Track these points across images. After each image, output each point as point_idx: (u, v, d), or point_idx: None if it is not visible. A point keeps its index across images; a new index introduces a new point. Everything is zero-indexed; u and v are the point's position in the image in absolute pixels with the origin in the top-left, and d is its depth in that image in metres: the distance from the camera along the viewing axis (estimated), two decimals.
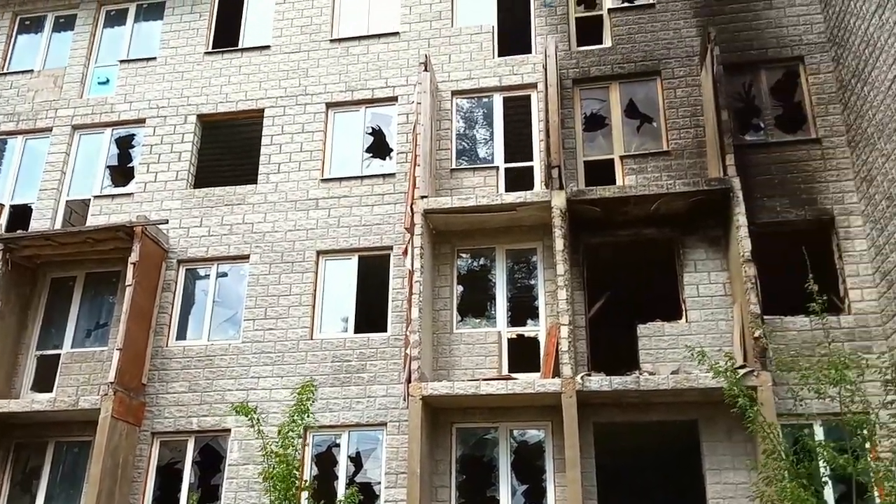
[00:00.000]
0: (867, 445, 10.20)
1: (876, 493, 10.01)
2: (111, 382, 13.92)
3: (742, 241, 13.08)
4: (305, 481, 11.62)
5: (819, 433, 11.89)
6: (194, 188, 16.73)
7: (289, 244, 15.69)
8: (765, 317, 12.76)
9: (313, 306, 15.20)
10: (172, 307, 15.64)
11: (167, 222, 15.78)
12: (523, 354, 14.31)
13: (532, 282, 15.07)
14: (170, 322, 15.52)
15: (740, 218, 13.27)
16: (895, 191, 12.30)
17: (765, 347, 12.37)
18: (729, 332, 13.36)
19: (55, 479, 14.90)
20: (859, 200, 13.84)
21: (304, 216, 15.87)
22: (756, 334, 12.37)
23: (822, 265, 13.19)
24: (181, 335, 15.63)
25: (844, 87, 14.44)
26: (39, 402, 14.47)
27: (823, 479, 9.44)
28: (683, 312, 13.92)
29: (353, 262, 15.50)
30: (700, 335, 13.38)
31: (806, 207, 14.11)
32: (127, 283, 14.64)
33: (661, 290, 14.76)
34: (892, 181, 12.43)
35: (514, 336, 14.59)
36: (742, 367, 12.11)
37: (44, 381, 15.54)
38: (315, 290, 15.32)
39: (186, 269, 16.07)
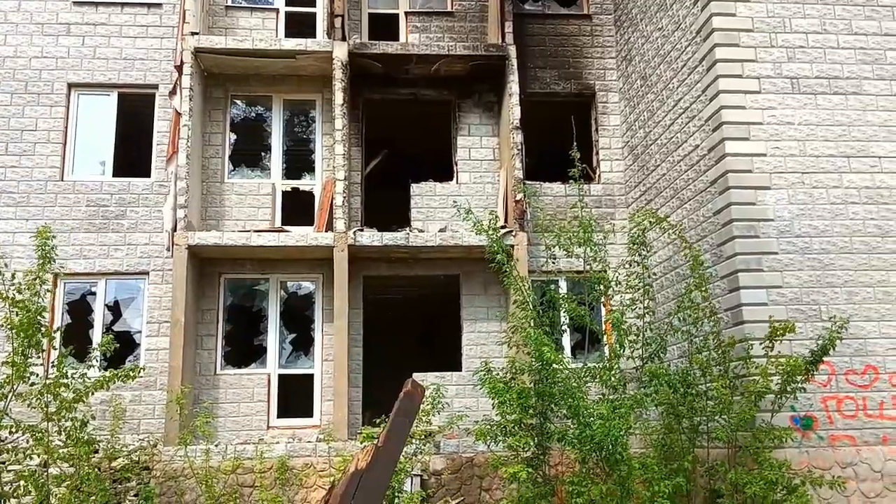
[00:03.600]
0: (602, 300, 11.56)
1: (605, 341, 11.48)
2: None
3: (513, 108, 13.70)
4: (55, 329, 10.90)
5: (563, 288, 13.25)
6: None
7: (34, 73, 13.93)
8: (527, 182, 13.66)
9: (64, 144, 13.82)
10: None
11: None
12: (298, 208, 14.22)
13: (310, 135, 14.79)
14: None
15: (513, 86, 13.83)
16: (650, 71, 13.40)
17: (524, 210, 13.34)
18: (494, 195, 14.18)
19: None
20: (617, 78, 14.95)
21: (53, 42, 14.07)
22: (517, 197, 13.27)
23: (581, 137, 14.27)
24: None
25: None
26: None
27: (563, 328, 10.58)
28: (455, 174, 14.50)
29: (111, 99, 14.16)
30: (469, 196, 14.06)
31: (572, 81, 14.99)
32: None
33: (436, 151, 15.20)
34: (647, 62, 13.51)
35: (288, 189, 14.39)
36: (503, 227, 13.02)
37: None
38: (66, 127, 13.88)
39: None
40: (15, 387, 9.57)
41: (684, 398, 9.28)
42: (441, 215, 14.09)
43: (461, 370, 13.42)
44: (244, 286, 14.09)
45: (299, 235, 13.18)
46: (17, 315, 9.62)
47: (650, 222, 10.55)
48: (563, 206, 14.01)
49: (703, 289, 9.85)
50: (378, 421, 10.21)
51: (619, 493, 8.63)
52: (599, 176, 14.63)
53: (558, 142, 13.03)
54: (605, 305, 12.24)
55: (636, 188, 13.94)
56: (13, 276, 9.71)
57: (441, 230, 13.74)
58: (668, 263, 12.32)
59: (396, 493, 10.21)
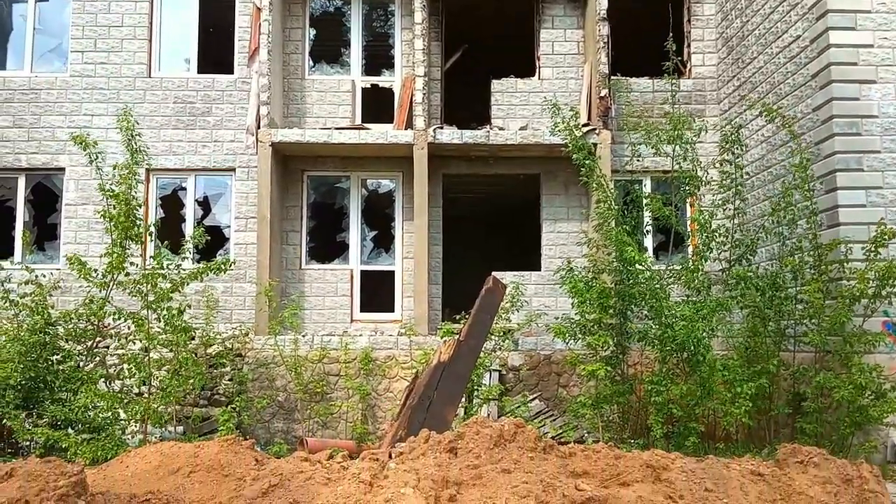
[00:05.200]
0: (688, 200, 11.24)
1: (689, 242, 11.23)
2: None
3: None
4: (151, 224, 11.37)
5: (647, 188, 12.91)
6: None
7: None
8: (612, 77, 13.14)
9: (150, 41, 13.96)
10: None
11: None
12: (377, 105, 14.14)
13: (389, 30, 14.51)
14: None
15: None
16: None
17: (608, 107, 12.90)
18: (578, 91, 13.73)
19: None
20: None
21: None
22: (602, 94, 12.82)
23: (672, 28, 13.55)
24: (0, 65, 14.05)
25: None
26: None
27: (646, 228, 10.39)
28: (537, 69, 14.05)
29: None
30: (551, 92, 13.66)
31: None
32: None
33: (518, 45, 14.72)
34: None
35: (368, 86, 14.27)
36: (586, 125, 12.65)
37: None
38: (151, 23, 13.99)
39: None
40: (115, 276, 10.12)
41: (772, 301, 9.07)
42: (522, 112, 13.78)
43: (540, 269, 13.43)
44: (326, 183, 14.27)
45: (379, 133, 13.16)
46: (114, 208, 10.06)
47: (756, 114, 10.01)
48: (649, 103, 13.48)
49: (805, 188, 9.39)
50: (458, 317, 10.41)
51: (699, 393, 8.65)
52: (690, 70, 13.93)
53: (645, 34, 12.42)
54: (691, 206, 11.91)
55: (729, 83, 13.24)
56: (114, 168, 10.11)
57: (522, 128, 13.47)
58: (761, 163, 11.79)
59: (476, 387, 10.51)
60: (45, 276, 10.77)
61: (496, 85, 13.89)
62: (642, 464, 5.07)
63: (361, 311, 13.60)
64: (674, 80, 10.41)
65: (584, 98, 13.37)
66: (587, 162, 9.74)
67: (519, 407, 10.41)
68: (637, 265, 9.09)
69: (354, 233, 13.88)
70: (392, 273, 13.74)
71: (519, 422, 5.36)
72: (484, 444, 5.03)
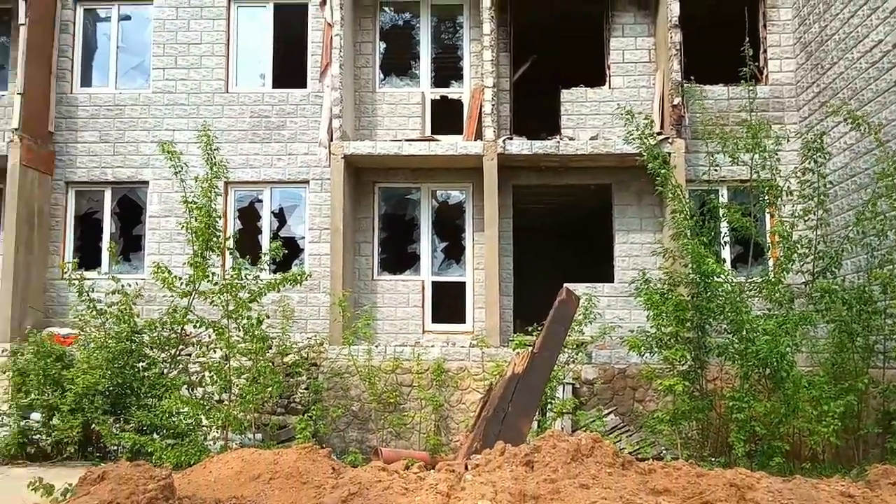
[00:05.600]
0: (766, 210, 10.94)
1: (770, 254, 10.91)
2: (16, 129, 13.23)
3: (671, 4, 12.83)
4: (229, 237, 11.73)
5: (724, 198, 12.61)
6: None
7: None
8: (685, 84, 12.91)
9: (227, 57, 14.40)
10: (73, 50, 14.51)
11: None
12: (447, 116, 14.23)
13: (457, 41, 14.61)
14: (72, 67, 14.48)
15: None
16: None
17: (682, 115, 12.67)
18: (650, 100, 13.54)
19: None
20: None
21: None
22: (675, 102, 12.61)
23: (747, 34, 13.24)
24: (86, 82, 14.71)
25: None
26: None
27: (724, 239, 10.15)
28: (607, 78, 13.92)
29: (268, 11, 14.52)
30: (622, 101, 13.46)
31: None
32: (20, 22, 13.39)
33: (587, 55, 14.61)
34: None
35: (437, 97, 14.39)
36: (659, 133, 12.46)
37: None
38: (228, 40, 14.43)
39: (84, 9, 14.73)
40: (197, 286, 10.46)
41: (860, 316, 8.73)
42: (592, 122, 13.67)
43: (613, 281, 13.26)
44: (397, 195, 14.43)
45: (448, 144, 13.24)
46: (196, 220, 10.41)
47: (838, 121, 9.69)
48: (724, 111, 13.18)
49: (893, 197, 9.02)
50: (530, 329, 10.37)
51: (783, 411, 8.38)
52: (767, 76, 13.57)
53: (718, 40, 12.17)
54: (770, 216, 11.58)
55: (808, 89, 12.85)
56: (195, 180, 10.48)
57: (592, 138, 13.35)
58: (844, 171, 11.39)
59: (549, 400, 10.43)
60: (130, 285, 11.22)
61: (566, 95, 13.81)
62: (726, 482, 4.95)
63: (433, 321, 13.68)
64: (751, 87, 10.14)
65: (657, 106, 13.17)
66: (662, 171, 9.57)
67: (594, 421, 10.28)
68: (716, 277, 8.88)
69: (425, 244, 13.98)
70: (463, 284, 13.78)
71: (596, 436, 5.31)
72: (561, 459, 5.00)
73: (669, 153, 12.22)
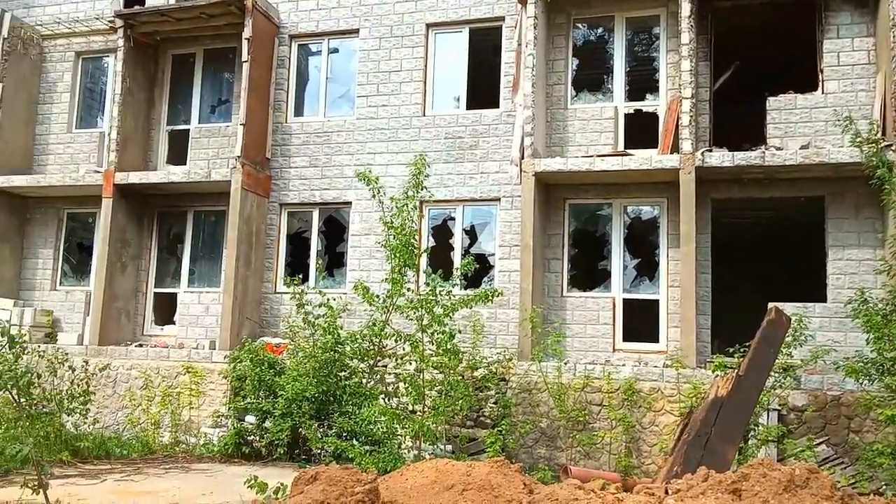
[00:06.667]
0: None
1: None
2: (238, 156, 14.65)
3: (893, 2, 11.68)
4: (423, 251, 12.18)
5: None
6: None
7: (398, 17, 15.26)
8: None
9: (424, 82, 15.03)
10: (288, 83, 15.87)
11: None
12: (640, 130, 13.88)
13: (652, 53, 14.24)
14: (286, 98, 15.83)
15: None
16: None
17: None
18: (869, 105, 12.39)
19: (197, 244, 16.33)
20: None
21: None
22: None
23: None
24: (298, 112, 16.01)
25: None
26: (175, 174, 15.49)
27: None
28: (820, 83, 12.92)
29: (463, 35, 14.99)
30: (836, 108, 12.48)
31: None
32: (243, 59, 14.87)
33: (793, 59, 13.66)
34: None
35: (631, 111, 14.08)
36: (882, 139, 11.36)
37: (176, 154, 16.50)
38: (426, 66, 15.06)
39: (298, 45, 16.06)
40: (395, 301, 10.94)
41: None
42: (802, 130, 12.73)
43: (825, 300, 12.20)
44: (587, 211, 14.26)
45: (642, 159, 12.89)
46: (394, 238, 10.91)
47: None
48: None
49: None
50: (732, 350, 9.80)
51: None
52: None
53: None
54: None
55: None
56: (392, 200, 11.00)
57: (803, 147, 12.42)
58: None
59: (752, 426, 9.78)
60: (335, 299, 11.95)
61: (772, 102, 12.97)
62: None
63: (624, 340, 13.31)
64: None
65: (878, 111, 12.01)
66: (892, 180, 8.70)
67: (803, 451, 9.50)
68: None
69: (616, 260, 13.68)
70: (656, 302, 13.31)
71: (812, 466, 4.90)
72: (772, 489, 4.65)
73: (893, 161, 11.11)
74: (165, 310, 16.35)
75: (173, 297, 16.11)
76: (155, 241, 16.53)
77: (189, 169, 15.68)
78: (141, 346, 15.21)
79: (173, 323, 15.94)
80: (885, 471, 8.76)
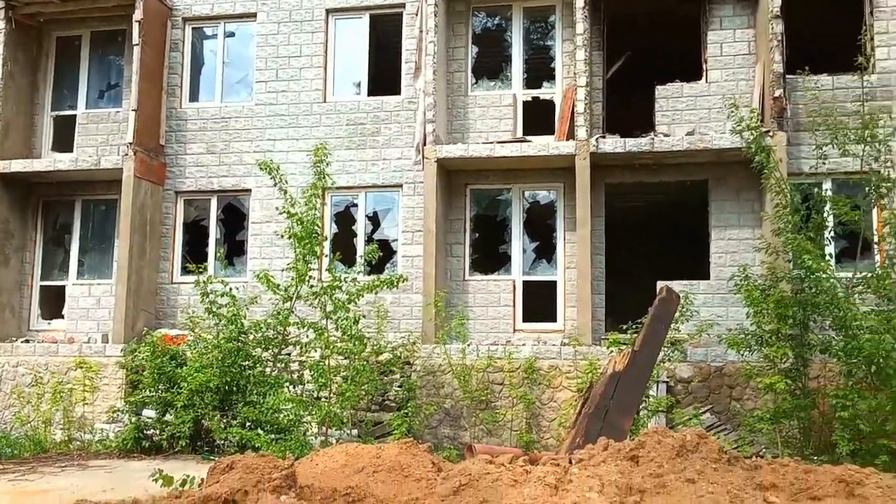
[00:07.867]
0: (873, 203, 10.49)
1: (878, 249, 10.46)
2: (130, 143, 14.11)
3: None
4: (325, 238, 12.14)
5: (829, 192, 12.14)
6: None
7: (296, 1, 15.02)
8: (787, 76, 12.52)
9: (325, 68, 14.89)
10: (182, 68, 15.35)
11: None
12: (538, 117, 14.26)
13: (549, 42, 14.63)
14: (181, 83, 15.33)
15: None
16: None
17: (783, 108, 12.29)
18: (749, 93, 13.19)
19: (86, 234, 15.63)
20: None
21: None
22: (776, 94, 12.24)
23: (851, 22, 12.75)
24: (194, 97, 15.53)
25: None
26: (62, 161, 14.78)
27: (829, 234, 9.81)
28: (704, 73, 13.65)
29: (364, 21, 14.93)
30: (719, 96, 13.22)
31: None
32: (134, 42, 14.30)
33: (681, 49, 14.35)
34: None
35: (529, 99, 14.44)
36: (760, 126, 12.12)
37: (63, 141, 15.70)
38: (326, 51, 14.92)
39: (192, 28, 15.55)
40: (298, 289, 10.88)
41: None
42: (688, 118, 13.42)
43: (709, 278, 12.97)
44: (488, 196, 14.56)
45: (541, 145, 13.27)
46: (297, 226, 10.83)
47: None
48: (828, 102, 12.65)
49: None
50: (624, 327, 10.29)
51: (889, 409, 8.06)
52: (874, 65, 12.95)
53: (819, 30, 11.75)
54: (879, 209, 11.08)
55: None
56: (303, 193, 10.89)
57: (689, 133, 13.10)
58: None
59: (643, 398, 10.31)
60: (237, 288, 11.75)
61: (660, 90, 13.61)
62: (834, 478, 4.84)
63: (524, 321, 13.72)
64: (865, 76, 9.74)
65: (757, 99, 12.82)
66: (770, 164, 9.33)
67: (690, 420, 10.12)
68: (819, 273, 8.61)
69: (516, 244, 14.06)
70: (554, 283, 13.77)
71: (701, 432, 5.28)
72: (666, 454, 4.98)
73: (771, 147, 11.88)
74: (53, 303, 15.60)
75: (61, 290, 15.39)
76: (41, 232, 15.72)
77: (77, 156, 14.99)
78: (27, 341, 14.50)
79: (62, 317, 15.25)
80: (764, 435, 9.44)
